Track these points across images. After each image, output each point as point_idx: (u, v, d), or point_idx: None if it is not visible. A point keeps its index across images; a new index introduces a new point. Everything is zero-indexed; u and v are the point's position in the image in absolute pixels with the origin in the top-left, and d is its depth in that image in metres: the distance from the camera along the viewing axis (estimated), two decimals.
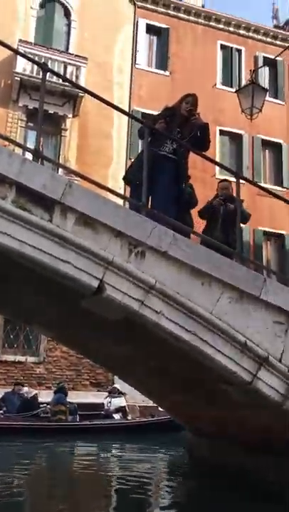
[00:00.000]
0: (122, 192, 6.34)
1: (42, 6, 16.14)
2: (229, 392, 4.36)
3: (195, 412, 5.87)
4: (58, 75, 4.91)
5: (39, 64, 4.23)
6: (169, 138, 4.71)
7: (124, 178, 4.89)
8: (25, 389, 11.98)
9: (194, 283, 4.06)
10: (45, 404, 11.31)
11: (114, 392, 12.07)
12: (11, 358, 13.57)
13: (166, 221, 4.24)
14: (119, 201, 5.65)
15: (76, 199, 3.76)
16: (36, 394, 11.81)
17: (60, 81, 14.67)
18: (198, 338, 3.97)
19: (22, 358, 13.67)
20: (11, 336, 13.73)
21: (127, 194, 5.18)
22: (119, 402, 11.85)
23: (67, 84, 14.53)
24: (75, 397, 13.06)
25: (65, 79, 6.46)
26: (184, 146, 4.72)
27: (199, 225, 5.99)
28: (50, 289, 4.12)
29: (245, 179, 5.13)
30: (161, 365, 4.92)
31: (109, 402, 11.92)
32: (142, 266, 3.93)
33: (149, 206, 4.66)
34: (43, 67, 3.98)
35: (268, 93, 17.95)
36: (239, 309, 4.19)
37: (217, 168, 16.63)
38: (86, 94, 15.21)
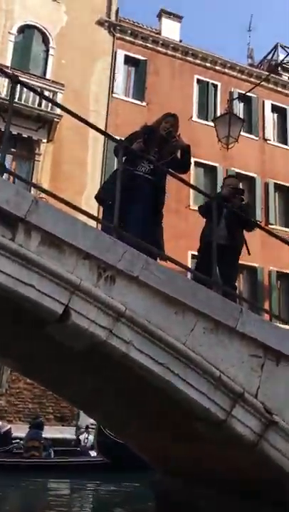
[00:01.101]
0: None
1: (20, 31, 16.17)
2: (201, 430, 4.06)
3: (164, 451, 5.51)
4: (30, 88, 4.68)
5: (8, 75, 4.01)
6: (145, 158, 4.51)
7: (97, 198, 4.65)
8: None
9: (167, 311, 3.80)
10: (18, 440, 10.83)
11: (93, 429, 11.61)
12: None
13: (139, 245, 4.00)
14: (93, 223, 5.37)
15: (42, 217, 3.49)
16: (10, 428, 11.35)
17: (36, 105, 14.59)
18: (170, 371, 3.68)
19: None
20: None
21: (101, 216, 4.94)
22: None
23: (42, 108, 14.44)
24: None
25: (40, 94, 6.25)
26: (159, 168, 4.53)
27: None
28: (10, 314, 3.79)
29: (222, 205, 4.95)
30: (130, 399, 4.59)
31: (87, 438, 11.39)
32: (112, 291, 3.65)
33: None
34: (13, 79, 3.76)
35: (242, 128, 18.35)
36: (214, 341, 3.93)
37: (192, 198, 16.66)
38: (61, 120, 15.20)
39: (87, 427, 11.83)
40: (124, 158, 4.31)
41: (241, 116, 18.47)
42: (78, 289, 3.50)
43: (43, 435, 10.90)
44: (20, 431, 12.21)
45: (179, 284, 3.81)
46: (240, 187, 5.57)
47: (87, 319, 3.51)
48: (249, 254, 5.22)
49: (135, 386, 4.02)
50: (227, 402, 3.83)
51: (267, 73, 19.47)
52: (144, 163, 4.61)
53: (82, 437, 11.76)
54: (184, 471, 5.35)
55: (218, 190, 19.29)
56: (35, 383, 12.15)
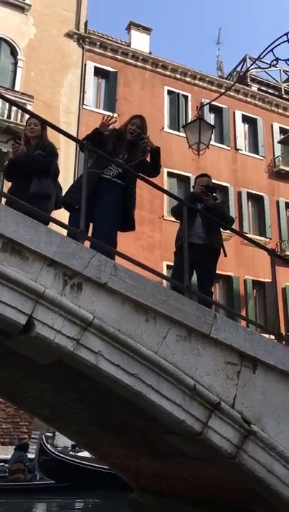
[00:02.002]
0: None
1: None
2: (177, 443, 3.86)
3: (139, 467, 5.29)
4: (5, 99, 4.63)
5: None
6: (110, 161, 4.36)
7: (63, 203, 4.47)
8: None
9: (138, 319, 3.61)
10: (2, 463, 10.49)
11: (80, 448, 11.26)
12: None
13: (106, 250, 3.82)
14: (64, 232, 5.17)
15: (3, 222, 3.27)
16: None
17: (5, 117, 14.37)
18: (142, 382, 3.49)
19: None
20: None
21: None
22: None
23: (12, 120, 14.23)
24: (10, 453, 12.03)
25: (16, 104, 6.11)
26: (127, 170, 4.38)
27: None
28: None
29: (194, 208, 4.79)
30: (102, 413, 4.38)
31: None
32: (79, 299, 3.45)
33: (90, 234, 4.28)
34: None
35: (214, 138, 18.44)
36: (187, 349, 3.76)
37: (166, 209, 16.59)
38: None
39: (73, 446, 11.50)
40: (92, 160, 4.15)
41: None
42: (42, 298, 3.28)
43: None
44: None
45: (148, 289, 3.64)
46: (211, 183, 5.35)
47: (52, 330, 3.30)
48: (225, 255, 5.06)
49: (106, 399, 3.81)
50: (203, 412, 3.65)
51: (237, 84, 19.71)
52: (112, 166, 4.46)
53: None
54: (162, 488, 5.13)
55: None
56: (7, 402, 11.78)
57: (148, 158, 4.75)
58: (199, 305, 3.93)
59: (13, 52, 16.29)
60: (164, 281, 5.78)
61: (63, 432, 6.37)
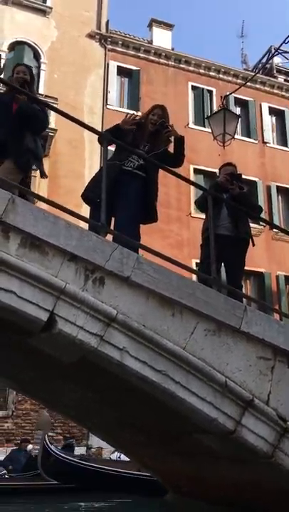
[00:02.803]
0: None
1: (11, 48, 16.09)
2: (209, 443, 3.70)
3: (172, 468, 5.13)
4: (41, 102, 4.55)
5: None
6: (132, 152, 4.22)
7: (83, 196, 4.35)
8: (30, 446, 11.17)
9: (164, 313, 3.47)
10: None
11: None
12: None
13: (129, 243, 3.69)
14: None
15: (21, 217, 3.19)
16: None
17: None
18: (170, 379, 3.34)
19: None
20: None
21: None
22: None
23: None
24: None
25: (47, 105, 6.03)
26: (149, 161, 4.23)
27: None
28: None
29: (219, 198, 4.57)
30: (131, 413, 4.24)
31: (119, 457, 10.86)
32: (101, 295, 3.33)
33: (113, 227, 4.16)
34: None
35: (240, 132, 18.11)
36: (217, 344, 3.59)
37: (193, 206, 16.35)
38: (56, 134, 15.03)
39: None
40: (110, 152, 4.03)
41: (239, 120, 18.29)
42: (64, 294, 3.18)
43: None
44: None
45: (174, 282, 3.49)
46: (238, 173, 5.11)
47: (75, 326, 3.19)
48: (253, 245, 4.83)
49: (134, 397, 3.68)
50: (235, 410, 3.48)
51: (263, 76, 19.31)
52: (133, 158, 4.31)
53: (113, 456, 11.35)
54: (195, 490, 4.96)
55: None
56: (41, 404, 11.80)
57: (171, 149, 4.60)
58: (228, 298, 3.76)
59: (36, 56, 16.36)
60: (194, 277, 5.57)
61: (94, 432, 6.28)
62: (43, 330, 3.19)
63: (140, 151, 4.30)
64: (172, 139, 4.53)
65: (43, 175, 4.43)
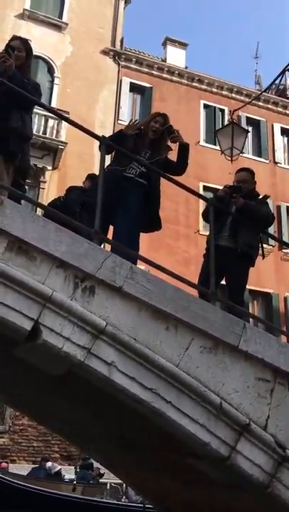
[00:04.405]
0: None
1: None
2: (201, 468, 3.45)
3: (165, 493, 4.86)
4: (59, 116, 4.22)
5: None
6: (133, 158, 4.10)
7: (82, 203, 4.21)
8: (49, 464, 11.13)
9: (157, 327, 3.26)
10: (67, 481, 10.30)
11: None
12: None
13: (128, 254, 3.51)
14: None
15: (8, 220, 3.02)
16: (60, 469, 10.88)
17: (41, 133, 14.47)
18: (160, 398, 3.12)
19: None
20: None
21: None
22: None
23: (47, 136, 14.32)
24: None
25: (62, 117, 5.88)
26: (150, 169, 4.10)
27: None
28: None
29: (221, 208, 4.38)
30: (121, 432, 4.01)
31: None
32: (91, 304, 3.14)
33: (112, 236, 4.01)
34: None
35: (251, 151, 18.01)
36: (213, 362, 3.36)
37: (201, 223, 16.20)
38: (66, 147, 15.04)
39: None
40: (107, 158, 3.87)
41: (250, 140, 18.20)
42: (50, 302, 2.99)
43: None
44: (23, 471, 11.54)
45: (168, 294, 3.29)
46: (252, 185, 4.84)
47: (61, 337, 2.99)
48: (263, 257, 4.60)
49: (125, 416, 3.46)
50: (230, 434, 3.23)
51: (276, 96, 19.29)
52: (135, 165, 4.19)
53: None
54: None
55: None
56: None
57: (170, 158, 4.48)
58: (226, 313, 3.54)
59: (50, 70, 16.50)
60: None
61: (87, 452, 6.03)
62: (27, 340, 3.00)
63: (141, 158, 4.17)
64: (174, 146, 4.40)
65: (23, 161, 3.95)
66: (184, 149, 4.36)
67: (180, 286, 3.52)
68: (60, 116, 4.19)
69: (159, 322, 3.26)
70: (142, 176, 4.18)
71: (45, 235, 3.08)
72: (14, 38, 4.02)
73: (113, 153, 4.45)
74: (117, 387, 3.05)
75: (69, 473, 11.52)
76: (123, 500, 9.48)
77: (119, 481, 10.57)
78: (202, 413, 3.18)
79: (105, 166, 4.07)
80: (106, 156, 3.86)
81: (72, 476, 10.81)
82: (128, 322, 3.18)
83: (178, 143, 4.32)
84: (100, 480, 10.90)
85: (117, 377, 3.05)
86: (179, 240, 15.75)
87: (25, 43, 4.04)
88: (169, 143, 4.44)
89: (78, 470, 10.90)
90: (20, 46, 3.95)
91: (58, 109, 15.43)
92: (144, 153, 4.26)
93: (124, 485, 9.73)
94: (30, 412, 5.53)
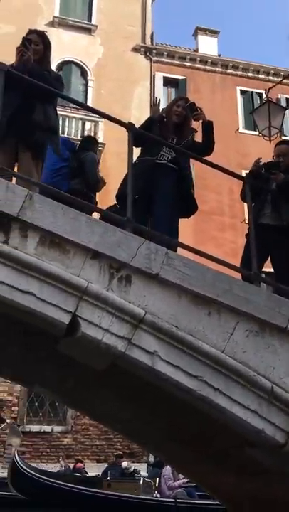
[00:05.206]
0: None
1: (59, 68, 16.42)
2: (258, 457, 3.30)
3: (228, 487, 4.71)
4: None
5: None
6: (163, 144, 4.04)
7: (118, 196, 4.17)
8: (125, 463, 11.25)
9: (198, 313, 3.15)
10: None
11: None
12: (35, 427, 12.53)
13: (163, 240, 3.42)
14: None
15: (39, 214, 3.00)
16: (135, 469, 11.04)
17: (79, 137, 14.59)
18: (208, 386, 3.00)
19: (48, 428, 12.61)
20: (36, 404, 12.75)
21: None
22: None
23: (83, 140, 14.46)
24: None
25: (82, 105, 5.93)
26: (180, 152, 4.03)
27: None
28: (19, 331, 3.30)
29: (257, 186, 4.18)
30: (174, 425, 3.91)
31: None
32: (128, 294, 3.06)
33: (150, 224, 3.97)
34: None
35: None
36: (261, 345, 3.21)
37: (246, 212, 15.84)
38: (104, 148, 15.10)
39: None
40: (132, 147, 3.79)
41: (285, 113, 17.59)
42: (86, 294, 2.94)
43: None
44: (90, 470, 11.71)
45: (208, 278, 3.16)
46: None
47: (99, 328, 2.94)
48: None
49: (176, 408, 3.36)
50: (285, 420, 3.07)
51: None
52: (164, 151, 4.14)
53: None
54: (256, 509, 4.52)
55: None
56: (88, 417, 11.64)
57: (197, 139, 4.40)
58: (272, 294, 3.39)
59: (84, 74, 16.65)
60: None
61: (146, 447, 5.98)
62: (67, 334, 2.96)
63: (168, 142, 4.10)
64: (198, 128, 4.32)
65: (54, 151, 3.99)
66: (207, 127, 4.26)
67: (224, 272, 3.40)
68: (81, 104, 4.17)
69: (200, 307, 3.14)
70: (173, 162, 4.12)
71: (76, 226, 3.04)
72: (30, 31, 3.99)
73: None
74: (161, 376, 2.96)
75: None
76: (155, 495, 9.39)
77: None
78: (253, 399, 3.04)
79: (136, 158, 4.04)
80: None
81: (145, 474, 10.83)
82: (168, 309, 3.08)
83: (201, 122, 4.23)
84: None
85: (161, 367, 2.96)
86: (225, 231, 15.46)
87: (42, 36, 4.00)
88: (193, 124, 4.37)
89: (152, 469, 10.87)
90: (37, 40, 3.91)
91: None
92: (170, 139, 4.21)
93: (157, 479, 9.68)
94: (85, 411, 5.53)
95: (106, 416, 5.06)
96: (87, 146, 5.09)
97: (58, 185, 4.13)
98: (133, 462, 12.71)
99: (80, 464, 11.59)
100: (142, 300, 3.06)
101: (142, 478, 10.00)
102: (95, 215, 3.90)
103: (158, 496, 9.29)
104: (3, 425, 10.86)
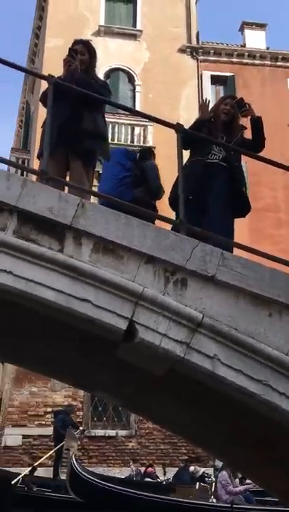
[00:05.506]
0: None
1: (107, 76, 16.63)
2: None
3: None
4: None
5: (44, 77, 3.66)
6: (213, 142, 3.98)
7: (171, 200, 4.12)
8: (192, 468, 11.29)
9: (258, 314, 3.04)
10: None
11: None
12: (100, 432, 12.66)
13: (220, 242, 3.34)
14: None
15: (91, 221, 3.01)
16: (203, 473, 11.07)
17: (129, 142, 14.71)
18: (272, 390, 2.89)
19: (112, 432, 12.70)
20: (100, 408, 12.89)
21: None
22: None
23: (135, 144, 14.55)
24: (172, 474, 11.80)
25: (130, 110, 5.97)
26: (232, 149, 3.94)
27: None
28: (77, 337, 3.32)
29: None
30: (235, 429, 3.80)
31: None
32: (184, 297, 3.01)
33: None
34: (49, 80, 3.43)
35: None
36: None
37: None
38: (155, 150, 15.11)
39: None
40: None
41: None
42: (142, 299, 2.92)
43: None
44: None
45: (267, 278, 3.05)
46: None
47: (157, 333, 2.91)
48: None
49: (229, 410, 3.26)
50: None
51: None
52: (215, 150, 4.06)
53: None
54: None
55: None
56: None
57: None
58: None
59: (131, 79, 16.77)
60: None
61: (209, 451, 5.88)
62: (125, 340, 2.95)
63: (219, 141, 4.03)
64: (247, 124, 4.21)
65: (104, 157, 4.04)
66: (257, 123, 4.16)
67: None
68: (130, 109, 4.18)
69: (259, 309, 3.04)
70: (224, 161, 4.06)
71: (129, 231, 3.03)
72: (76, 42, 4.07)
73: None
74: (223, 381, 2.88)
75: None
76: (211, 500, 9.16)
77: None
78: None
79: (186, 160, 3.99)
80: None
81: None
82: (226, 312, 3.00)
83: (250, 118, 4.12)
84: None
85: (222, 371, 2.88)
86: (281, 228, 15.04)
87: (87, 45, 4.08)
88: (242, 121, 4.26)
89: (218, 471, 10.74)
90: (82, 49, 3.98)
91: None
92: (219, 138, 4.13)
93: (213, 484, 9.46)
94: (144, 415, 5.52)
95: (165, 420, 5.01)
96: (146, 155, 5.12)
97: (123, 194, 4.18)
98: (199, 467, 12.57)
99: (150, 469, 11.59)
100: (199, 303, 3.00)
101: (197, 483, 9.87)
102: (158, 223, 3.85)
103: (214, 500, 9.13)
104: (78, 431, 11.07)
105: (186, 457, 12.39)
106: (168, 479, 11.21)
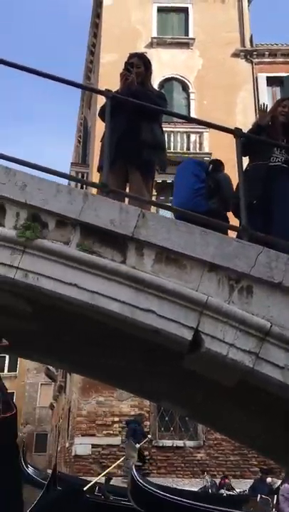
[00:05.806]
0: None
1: (161, 86, 16.74)
2: None
3: None
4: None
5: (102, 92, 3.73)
6: (274, 145, 3.88)
7: (234, 207, 4.06)
8: (269, 479, 11.01)
9: None
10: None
11: None
12: (168, 442, 12.57)
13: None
14: None
15: (152, 231, 3.01)
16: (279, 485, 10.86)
17: (185, 150, 14.68)
18: None
19: (180, 443, 12.57)
20: (166, 418, 12.82)
21: None
22: None
23: (191, 151, 14.52)
24: (244, 486, 11.51)
25: (188, 118, 6.00)
26: None
27: None
28: (142, 347, 3.32)
29: None
30: None
31: None
32: (251, 305, 2.93)
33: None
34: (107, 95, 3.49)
35: None
36: None
37: None
38: (211, 156, 14.98)
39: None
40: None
41: None
42: (207, 308, 2.87)
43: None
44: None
45: None
46: None
47: (224, 343, 2.84)
48: None
49: None
50: None
51: None
52: (276, 152, 3.96)
53: None
54: None
55: None
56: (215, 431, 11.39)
57: None
58: None
59: (185, 88, 16.77)
60: None
61: (280, 463, 5.67)
62: (191, 350, 2.90)
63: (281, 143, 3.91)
64: None
65: (162, 167, 4.01)
66: None
67: None
68: (186, 117, 4.14)
69: None
70: (286, 163, 3.95)
71: (191, 240, 2.99)
72: (131, 55, 4.14)
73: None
74: None
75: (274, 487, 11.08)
76: None
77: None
78: None
79: (246, 165, 3.91)
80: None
81: None
82: None
83: None
84: None
85: None
86: None
87: (142, 58, 4.15)
88: None
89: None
90: (138, 62, 4.06)
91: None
92: (280, 140, 4.01)
93: (275, 496, 9.04)
94: (212, 425, 5.41)
95: (234, 430, 4.90)
96: (218, 166, 5.10)
97: (198, 205, 4.25)
98: (271, 478, 12.19)
99: (226, 480, 11.38)
100: (266, 311, 2.90)
101: (258, 495, 9.55)
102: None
103: None
104: (146, 440, 11.10)
105: (258, 468, 12.02)
106: (244, 491, 10.92)
